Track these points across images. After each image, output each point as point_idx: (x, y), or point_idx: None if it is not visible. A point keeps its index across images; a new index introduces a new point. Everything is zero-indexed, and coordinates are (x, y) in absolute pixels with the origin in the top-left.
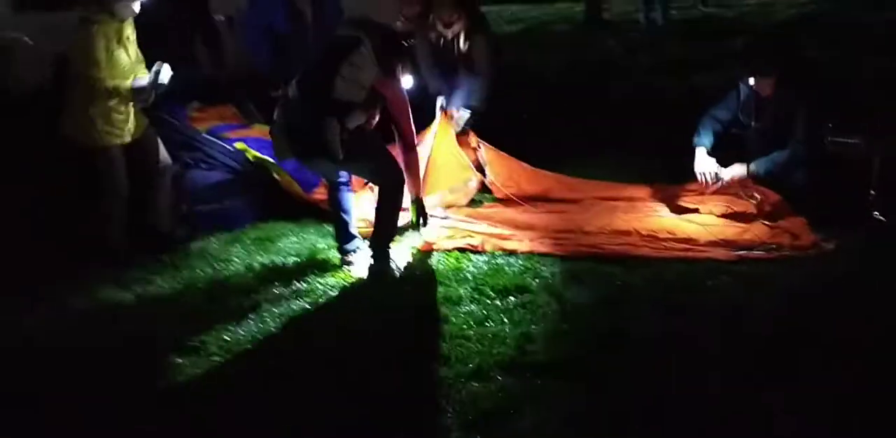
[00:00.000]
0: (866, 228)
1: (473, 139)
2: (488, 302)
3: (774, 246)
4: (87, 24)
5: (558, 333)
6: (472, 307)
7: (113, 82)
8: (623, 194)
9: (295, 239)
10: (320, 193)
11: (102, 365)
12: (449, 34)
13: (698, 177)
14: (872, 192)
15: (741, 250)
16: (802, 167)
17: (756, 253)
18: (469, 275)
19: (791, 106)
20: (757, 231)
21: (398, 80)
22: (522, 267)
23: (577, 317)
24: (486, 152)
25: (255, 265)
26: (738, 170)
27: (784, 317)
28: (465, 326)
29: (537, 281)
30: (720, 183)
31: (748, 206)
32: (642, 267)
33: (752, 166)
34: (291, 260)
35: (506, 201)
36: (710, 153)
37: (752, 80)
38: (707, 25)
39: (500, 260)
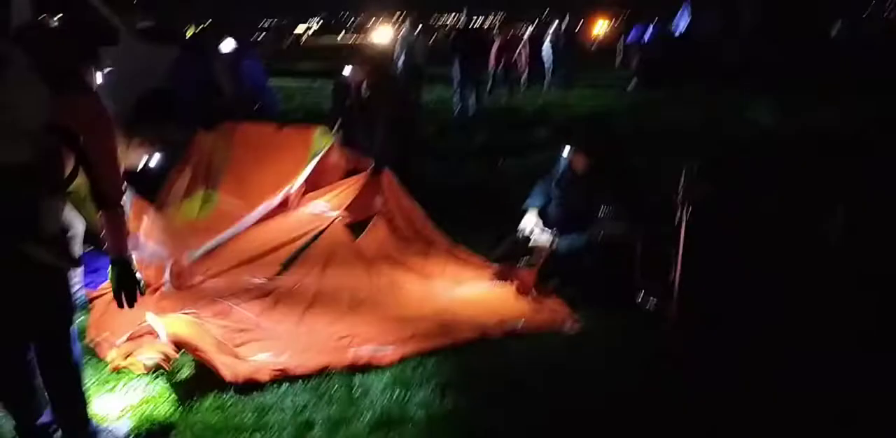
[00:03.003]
0: (633, 308)
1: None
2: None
3: (521, 324)
4: None
5: None
6: None
7: None
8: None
9: None
10: None
11: None
12: (354, 85)
13: (520, 231)
14: (637, 276)
15: (510, 326)
16: (595, 251)
17: (522, 327)
18: (277, 409)
19: (599, 191)
20: (522, 307)
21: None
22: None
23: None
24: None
25: None
26: (547, 239)
27: (571, 395)
28: None
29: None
30: (532, 238)
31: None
32: (454, 356)
33: (558, 241)
34: None
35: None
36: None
37: (566, 151)
38: (513, 115)
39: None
